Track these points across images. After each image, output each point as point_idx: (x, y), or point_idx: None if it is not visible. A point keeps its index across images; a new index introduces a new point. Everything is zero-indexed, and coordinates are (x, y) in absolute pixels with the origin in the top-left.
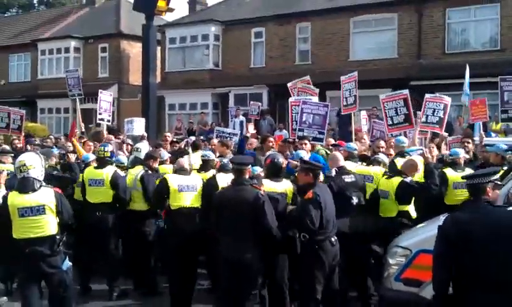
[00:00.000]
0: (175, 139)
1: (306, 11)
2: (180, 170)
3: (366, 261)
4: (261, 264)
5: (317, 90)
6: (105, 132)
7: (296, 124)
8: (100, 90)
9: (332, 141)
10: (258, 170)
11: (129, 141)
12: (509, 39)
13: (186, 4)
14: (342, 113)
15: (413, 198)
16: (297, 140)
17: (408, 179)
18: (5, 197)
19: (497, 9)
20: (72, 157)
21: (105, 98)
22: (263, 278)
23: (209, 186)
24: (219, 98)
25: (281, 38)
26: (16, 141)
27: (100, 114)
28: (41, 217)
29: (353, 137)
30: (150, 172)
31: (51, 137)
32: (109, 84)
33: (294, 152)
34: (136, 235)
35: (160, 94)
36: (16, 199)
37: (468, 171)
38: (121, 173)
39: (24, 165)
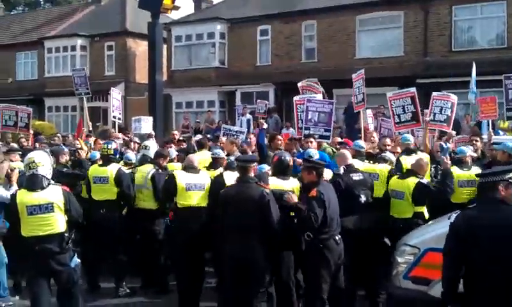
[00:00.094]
0: (181, 138)
1: (311, 9)
2: (189, 167)
3: (375, 260)
4: (267, 262)
5: (321, 89)
6: (116, 130)
7: (302, 122)
8: (112, 88)
9: (338, 139)
10: (266, 168)
11: (136, 140)
12: None
13: (192, 2)
14: (355, 110)
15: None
16: (303, 138)
17: (424, 180)
18: (13, 195)
19: (504, 6)
20: (83, 154)
21: (116, 96)
22: (270, 276)
23: (216, 184)
24: (225, 96)
25: (287, 36)
26: (23, 140)
27: (112, 111)
28: (50, 214)
29: (361, 135)
30: (160, 171)
31: (58, 135)
32: (115, 82)
33: (301, 150)
34: (145, 233)
35: (167, 93)
36: (25, 197)
37: (475, 169)
38: (126, 170)
39: (33, 162)
